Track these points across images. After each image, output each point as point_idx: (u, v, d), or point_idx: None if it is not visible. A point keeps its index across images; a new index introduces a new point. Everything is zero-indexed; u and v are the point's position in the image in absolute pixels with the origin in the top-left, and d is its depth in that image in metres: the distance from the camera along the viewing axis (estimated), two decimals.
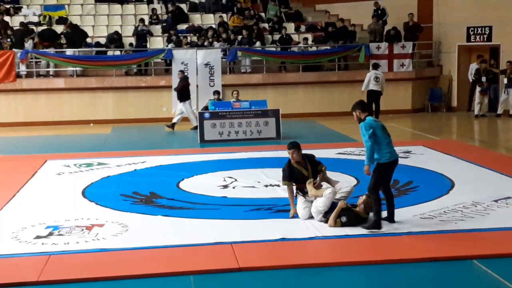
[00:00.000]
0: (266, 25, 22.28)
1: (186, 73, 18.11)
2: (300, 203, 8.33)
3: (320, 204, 8.00)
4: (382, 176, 7.87)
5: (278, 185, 10.01)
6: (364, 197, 8.07)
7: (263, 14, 23.15)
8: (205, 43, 20.23)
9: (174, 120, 17.54)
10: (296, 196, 8.38)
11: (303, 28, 22.42)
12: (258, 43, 20.60)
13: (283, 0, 24.16)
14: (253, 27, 21.33)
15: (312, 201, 8.18)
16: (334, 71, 20.88)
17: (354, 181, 10.36)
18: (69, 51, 19.68)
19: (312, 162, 8.43)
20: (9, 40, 19.49)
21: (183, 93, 17.31)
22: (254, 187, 10.19)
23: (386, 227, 7.76)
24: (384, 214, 7.99)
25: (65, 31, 20.25)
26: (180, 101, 17.36)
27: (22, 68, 19.38)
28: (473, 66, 19.93)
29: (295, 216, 8.29)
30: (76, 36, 20.04)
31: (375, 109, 18.62)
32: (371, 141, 7.69)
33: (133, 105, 19.60)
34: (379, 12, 21.34)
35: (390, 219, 8.03)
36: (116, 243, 7.39)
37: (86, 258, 6.92)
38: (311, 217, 8.15)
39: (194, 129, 16.95)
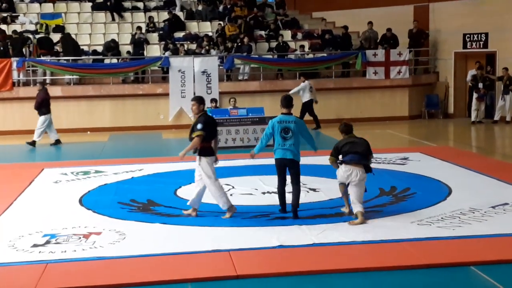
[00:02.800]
0: (263, 32, 22.33)
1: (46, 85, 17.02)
2: None
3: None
4: (278, 170, 8.84)
5: (276, 192, 10.00)
6: None
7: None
8: (202, 51, 20.26)
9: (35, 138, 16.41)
10: None
11: (299, 35, 22.45)
12: (252, 45, 20.61)
13: (280, 7, 24.24)
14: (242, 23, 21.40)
15: None
16: (330, 78, 20.92)
17: None
18: (66, 59, 19.67)
19: (195, 125, 8.75)
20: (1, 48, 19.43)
21: (44, 106, 16.38)
22: (251, 194, 10.20)
23: (381, 232, 7.76)
24: None
25: (61, 40, 20.25)
26: (40, 115, 16.35)
27: (19, 77, 19.37)
28: (472, 73, 19.98)
29: None
30: (71, 44, 20.03)
31: (314, 118, 18.58)
32: (265, 135, 8.82)
33: (131, 113, 19.62)
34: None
35: (293, 211, 8.67)
36: (113, 251, 7.37)
37: (84, 266, 6.90)
38: None
39: (30, 143, 16.17)
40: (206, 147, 8.78)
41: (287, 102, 8.79)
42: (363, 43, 21.23)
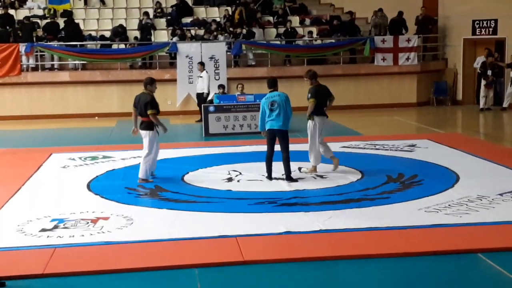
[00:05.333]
0: (271, 18, 22.26)
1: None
2: None
3: None
4: (267, 139, 10.11)
5: (283, 179, 10.04)
6: None
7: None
8: (210, 37, 20.21)
9: None
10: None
11: (308, 21, 22.35)
12: (257, 33, 20.52)
13: None
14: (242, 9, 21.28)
15: None
16: (338, 64, 20.85)
17: (359, 175, 10.37)
18: (73, 44, 19.66)
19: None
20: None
21: None
22: (258, 180, 10.19)
23: (388, 219, 7.76)
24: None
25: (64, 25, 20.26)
26: None
27: (28, 62, 19.39)
28: (480, 59, 19.88)
29: None
30: (74, 29, 20.00)
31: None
32: (260, 113, 10.05)
33: None
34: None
35: (285, 176, 9.98)
36: (121, 236, 7.40)
37: (91, 251, 6.94)
38: None
39: None
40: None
41: (272, 82, 10.19)
42: (373, 30, 21.09)
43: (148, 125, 10.15)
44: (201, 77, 17.56)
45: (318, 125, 10.50)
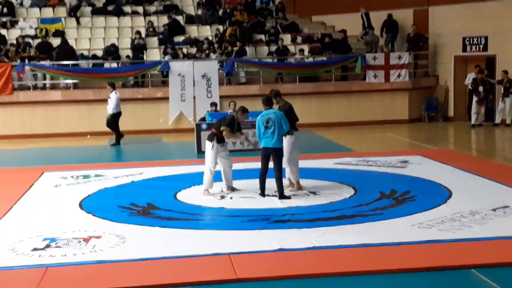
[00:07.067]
0: (262, 36, 22.37)
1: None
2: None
3: None
4: (261, 157, 10.13)
5: (276, 195, 10.02)
6: None
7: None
8: (202, 55, 20.28)
9: None
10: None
11: (299, 39, 22.49)
12: (249, 51, 20.62)
13: (280, 11, 24.27)
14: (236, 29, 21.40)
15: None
16: (330, 81, 20.94)
17: (352, 191, 10.37)
18: (65, 64, 19.67)
19: None
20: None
21: None
22: (251, 197, 10.18)
23: (381, 236, 7.75)
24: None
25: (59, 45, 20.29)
26: None
27: (19, 81, 19.38)
28: (471, 76, 20.01)
29: None
30: (67, 49, 20.03)
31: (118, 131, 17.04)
32: (257, 130, 10.06)
33: (130, 117, 19.52)
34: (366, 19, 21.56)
35: (278, 195, 9.93)
36: (113, 254, 7.36)
37: (84, 270, 6.89)
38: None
39: None
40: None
41: (267, 100, 10.29)
42: (366, 48, 21.25)
43: (209, 137, 10.50)
44: (109, 98, 16.81)
45: (296, 140, 10.56)
